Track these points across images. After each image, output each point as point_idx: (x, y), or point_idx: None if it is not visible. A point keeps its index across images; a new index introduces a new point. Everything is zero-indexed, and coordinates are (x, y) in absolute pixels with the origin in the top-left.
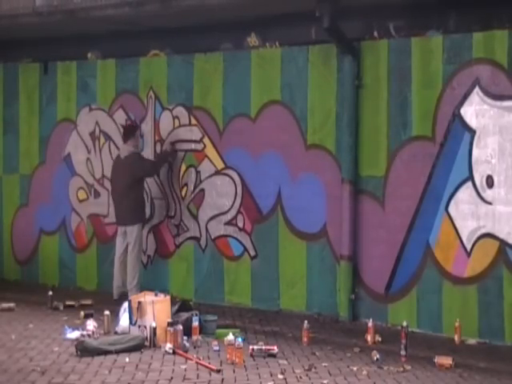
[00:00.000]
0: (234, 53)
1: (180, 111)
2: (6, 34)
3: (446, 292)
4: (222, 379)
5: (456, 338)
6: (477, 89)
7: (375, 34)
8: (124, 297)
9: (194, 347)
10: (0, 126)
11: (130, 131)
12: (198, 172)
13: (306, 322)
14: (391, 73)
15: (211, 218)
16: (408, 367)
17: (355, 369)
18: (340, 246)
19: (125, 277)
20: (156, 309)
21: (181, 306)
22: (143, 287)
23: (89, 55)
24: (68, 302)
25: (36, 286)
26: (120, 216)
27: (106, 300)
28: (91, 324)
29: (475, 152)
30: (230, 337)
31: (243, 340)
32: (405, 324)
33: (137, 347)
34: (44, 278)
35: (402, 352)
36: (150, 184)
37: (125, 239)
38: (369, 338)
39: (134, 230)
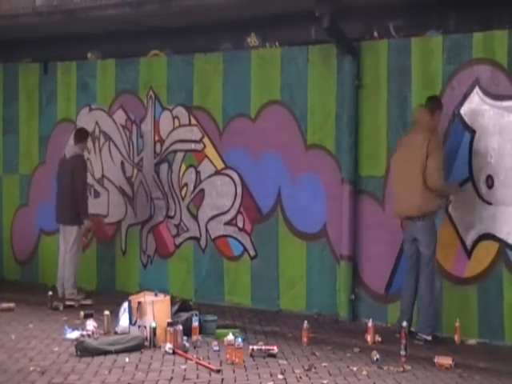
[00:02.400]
0: (233, 53)
1: (180, 111)
2: (6, 34)
3: (446, 292)
4: (222, 379)
5: (456, 337)
6: (477, 89)
7: (375, 34)
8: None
9: (194, 347)
10: (0, 126)
11: (83, 135)
12: (197, 172)
13: (305, 322)
14: (391, 73)
15: (211, 218)
16: (408, 367)
17: (355, 369)
18: (340, 246)
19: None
20: (156, 309)
21: (181, 306)
22: (143, 287)
23: (89, 55)
24: (68, 302)
25: (36, 286)
26: (60, 215)
27: (105, 300)
28: (91, 324)
29: (475, 152)
30: (230, 337)
31: (243, 340)
32: (405, 324)
33: (137, 347)
34: (44, 278)
35: (402, 352)
36: (150, 184)
37: (65, 238)
38: (369, 338)
39: (72, 230)
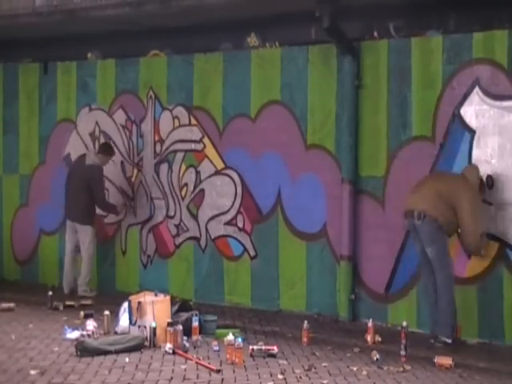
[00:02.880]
0: (233, 53)
1: (180, 111)
2: (6, 34)
3: None
4: (222, 379)
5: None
6: (477, 89)
7: (375, 34)
8: (74, 292)
9: (194, 347)
10: (0, 126)
11: (108, 149)
12: (197, 172)
13: (305, 322)
14: (391, 73)
15: (211, 218)
16: (408, 367)
17: (355, 369)
18: (340, 246)
19: (75, 273)
20: (156, 309)
21: (181, 305)
22: (143, 287)
23: (89, 55)
24: (68, 302)
25: (36, 285)
26: (72, 212)
27: (106, 300)
28: (91, 324)
29: (475, 152)
30: (230, 337)
31: (243, 340)
32: (405, 324)
33: (137, 347)
34: (44, 278)
35: (402, 352)
36: (150, 184)
37: (75, 236)
38: (369, 338)
39: (87, 230)
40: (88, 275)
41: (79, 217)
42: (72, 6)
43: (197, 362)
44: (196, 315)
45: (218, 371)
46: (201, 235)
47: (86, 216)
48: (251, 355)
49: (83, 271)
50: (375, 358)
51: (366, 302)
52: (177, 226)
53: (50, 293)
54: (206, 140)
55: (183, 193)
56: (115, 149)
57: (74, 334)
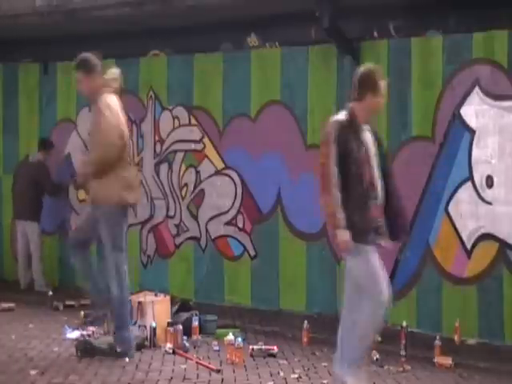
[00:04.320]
0: (233, 53)
1: (180, 111)
2: (6, 34)
3: (445, 292)
4: (222, 379)
5: (456, 338)
6: (477, 89)
7: (375, 34)
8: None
9: (194, 347)
10: (0, 126)
11: (46, 145)
12: (197, 172)
13: (305, 321)
14: (391, 73)
15: (211, 218)
16: (408, 367)
17: None
18: None
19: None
20: (156, 309)
21: (181, 306)
22: (143, 287)
23: None
24: (68, 302)
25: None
26: (19, 210)
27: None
28: None
29: (475, 152)
30: (230, 337)
31: (243, 340)
32: (405, 324)
33: (137, 347)
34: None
35: (402, 352)
36: (150, 184)
37: (24, 235)
38: None
39: (34, 228)
40: (42, 270)
41: (26, 213)
42: (72, 6)
43: (197, 362)
44: (196, 315)
45: (218, 371)
46: (201, 235)
47: (32, 212)
48: (251, 355)
49: (37, 267)
50: (375, 358)
51: None
52: (177, 226)
53: (50, 293)
54: (205, 140)
55: (183, 193)
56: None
57: (74, 334)
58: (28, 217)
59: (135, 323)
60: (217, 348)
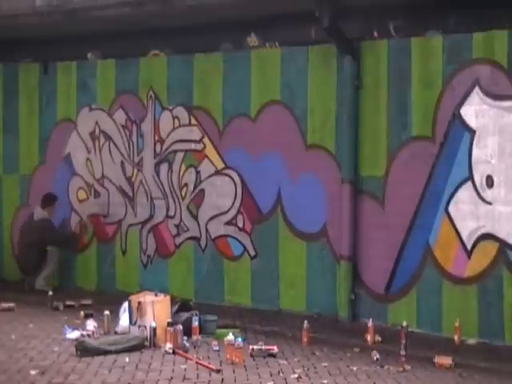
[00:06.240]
0: (233, 53)
1: (180, 111)
2: (6, 34)
3: (445, 292)
4: (222, 379)
5: (456, 338)
6: (477, 89)
7: (375, 34)
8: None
9: (194, 347)
10: (0, 126)
11: (50, 200)
12: (197, 172)
13: (305, 321)
14: (391, 73)
15: (211, 218)
16: (408, 367)
17: (355, 369)
18: (340, 246)
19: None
20: (156, 309)
21: (181, 306)
22: (143, 287)
23: (89, 55)
24: (68, 302)
25: None
26: (24, 268)
27: (106, 300)
28: (91, 324)
29: (475, 152)
30: (230, 337)
31: (243, 340)
32: (405, 324)
33: (137, 347)
34: None
35: (402, 352)
36: (150, 184)
37: None
38: (369, 337)
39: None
40: (45, 274)
41: (30, 270)
42: (72, 6)
43: (197, 362)
44: (196, 315)
45: (218, 371)
46: (201, 235)
47: (35, 267)
48: (251, 355)
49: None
50: (375, 358)
51: (365, 301)
52: (177, 226)
53: (50, 293)
54: (206, 140)
55: (183, 193)
56: (116, 149)
57: (74, 334)
58: (33, 272)
59: (135, 323)
60: (217, 348)
